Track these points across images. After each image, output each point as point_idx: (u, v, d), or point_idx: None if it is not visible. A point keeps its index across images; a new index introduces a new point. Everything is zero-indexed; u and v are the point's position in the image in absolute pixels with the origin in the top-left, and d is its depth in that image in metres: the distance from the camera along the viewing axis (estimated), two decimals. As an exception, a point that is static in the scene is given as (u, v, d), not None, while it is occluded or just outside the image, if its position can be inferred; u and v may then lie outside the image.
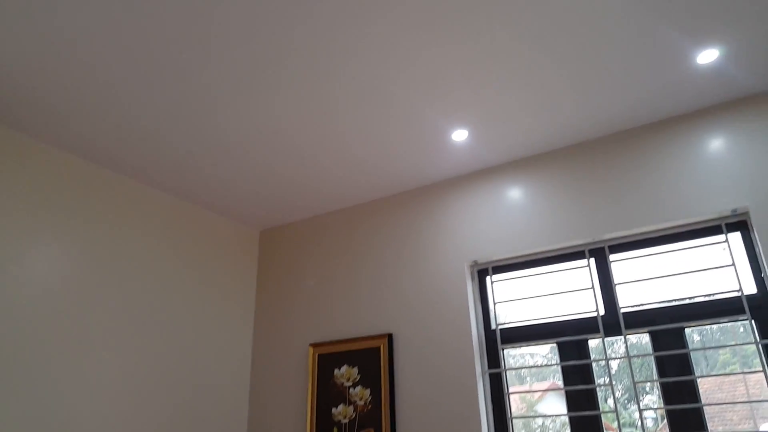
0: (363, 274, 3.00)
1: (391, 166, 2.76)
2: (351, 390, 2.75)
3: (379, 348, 2.75)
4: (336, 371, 2.82)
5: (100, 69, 1.96)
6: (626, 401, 2.57)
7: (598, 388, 2.38)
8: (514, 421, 2.49)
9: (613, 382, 2.35)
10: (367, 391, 2.70)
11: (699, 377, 2.22)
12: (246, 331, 3.18)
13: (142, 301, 2.63)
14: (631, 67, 2.07)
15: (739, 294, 2.17)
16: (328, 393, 2.80)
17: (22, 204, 2.23)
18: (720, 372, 3.24)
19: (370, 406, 2.66)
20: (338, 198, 3.10)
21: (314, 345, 2.94)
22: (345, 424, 2.70)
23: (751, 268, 2.19)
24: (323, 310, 3.04)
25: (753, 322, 2.13)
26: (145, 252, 2.70)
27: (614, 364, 2.39)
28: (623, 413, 2.34)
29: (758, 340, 2.10)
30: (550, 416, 5.09)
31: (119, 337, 2.49)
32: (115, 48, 1.86)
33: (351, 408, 2.71)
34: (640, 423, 2.25)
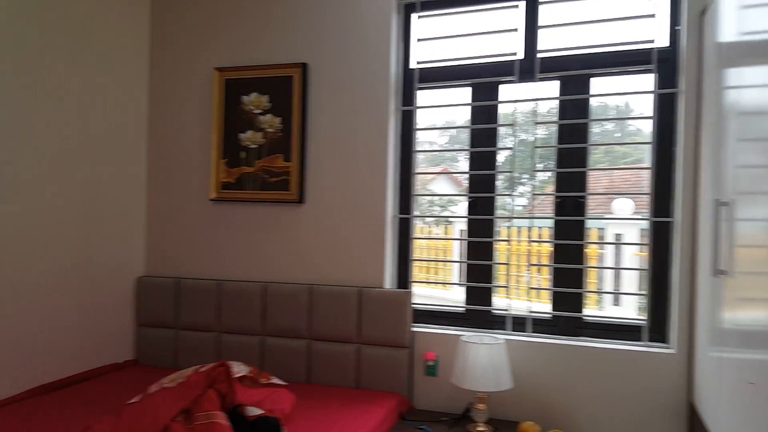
0: (278, -5, 2.68)
1: None
2: (260, 117, 2.66)
3: (291, 77, 2.61)
4: (244, 98, 2.68)
5: None
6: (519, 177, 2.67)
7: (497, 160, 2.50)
8: (417, 155, 2.63)
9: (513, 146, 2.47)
10: (278, 119, 2.63)
11: (592, 145, 2.40)
12: (141, 53, 2.84)
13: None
14: None
15: (651, 46, 2.23)
16: (235, 119, 2.70)
17: None
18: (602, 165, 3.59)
19: (280, 134, 2.63)
20: None
21: (220, 69, 2.72)
22: (253, 149, 2.67)
23: (670, 20, 2.23)
24: (231, 34, 2.75)
25: (656, 75, 2.24)
26: None
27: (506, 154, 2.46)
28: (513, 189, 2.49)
29: (657, 89, 2.25)
30: (454, 172, 5.45)
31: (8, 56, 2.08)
32: None
33: (260, 134, 2.66)
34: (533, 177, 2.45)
